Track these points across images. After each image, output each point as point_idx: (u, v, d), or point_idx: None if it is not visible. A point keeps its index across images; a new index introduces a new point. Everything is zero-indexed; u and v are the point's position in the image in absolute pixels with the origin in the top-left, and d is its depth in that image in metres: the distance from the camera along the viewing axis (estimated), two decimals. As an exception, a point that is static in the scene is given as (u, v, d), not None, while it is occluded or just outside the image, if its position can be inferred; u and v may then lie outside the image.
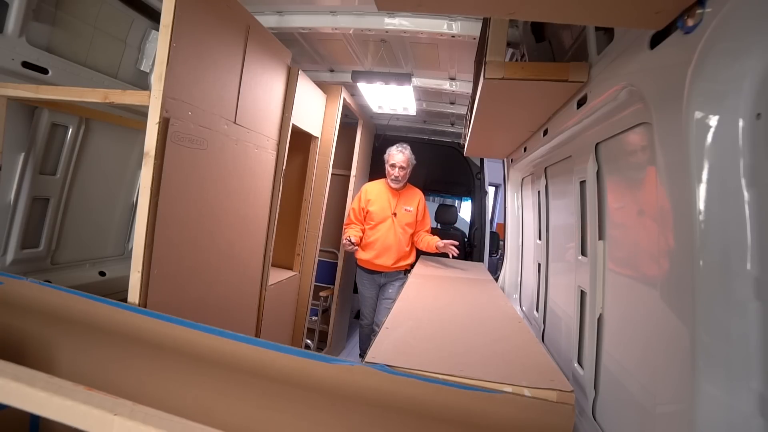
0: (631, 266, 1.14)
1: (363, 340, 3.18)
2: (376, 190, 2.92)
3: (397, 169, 2.81)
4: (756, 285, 0.63)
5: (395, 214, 2.85)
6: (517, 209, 2.87)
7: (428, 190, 4.90)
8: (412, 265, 2.78)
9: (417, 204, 2.91)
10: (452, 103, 3.23)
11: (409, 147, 2.88)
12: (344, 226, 2.96)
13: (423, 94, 3.09)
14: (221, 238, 1.74)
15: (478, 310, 1.67)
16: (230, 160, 1.74)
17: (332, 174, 2.85)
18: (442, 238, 4.06)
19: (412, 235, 2.93)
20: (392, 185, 2.88)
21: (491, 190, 5.07)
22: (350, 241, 2.68)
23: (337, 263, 3.31)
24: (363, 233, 2.90)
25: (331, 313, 3.29)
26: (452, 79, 2.71)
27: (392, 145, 2.97)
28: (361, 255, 2.90)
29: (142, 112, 1.38)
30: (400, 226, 2.85)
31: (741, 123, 0.64)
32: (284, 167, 2.19)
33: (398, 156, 2.82)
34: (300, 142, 2.60)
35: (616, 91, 1.01)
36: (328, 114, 2.74)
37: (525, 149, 2.24)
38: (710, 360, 0.65)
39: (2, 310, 1.28)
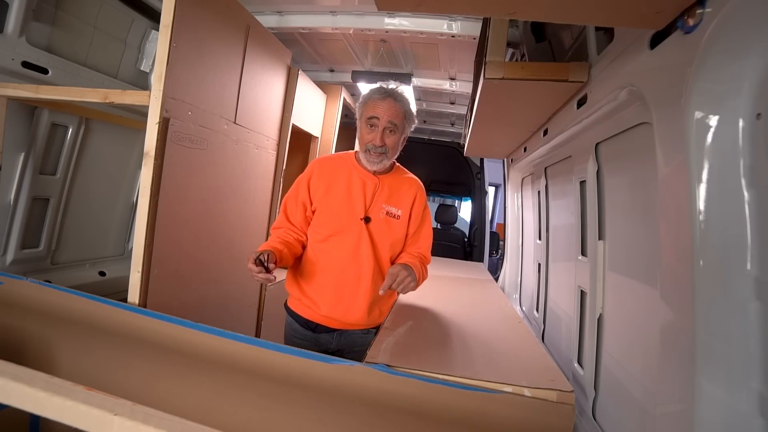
0: (631, 266, 1.14)
1: None
2: (334, 170, 1.38)
3: (381, 129, 1.28)
4: (756, 285, 0.63)
5: (368, 219, 1.33)
6: (517, 209, 2.87)
7: (428, 191, 4.90)
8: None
9: (411, 204, 1.39)
10: (452, 103, 3.24)
11: (406, 91, 1.36)
12: (271, 231, 1.42)
13: (423, 94, 3.10)
14: (221, 237, 1.74)
15: (478, 310, 1.67)
16: (230, 160, 1.74)
17: (332, 174, 2.85)
18: (441, 239, 3.71)
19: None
20: (368, 164, 1.34)
21: (491, 190, 5.07)
22: (260, 261, 1.14)
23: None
24: (302, 248, 1.38)
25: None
26: (452, 79, 2.71)
27: None
28: (295, 292, 1.39)
29: (142, 112, 1.38)
30: (381, 243, 1.35)
31: (741, 123, 0.64)
32: (284, 167, 2.19)
33: (383, 102, 1.29)
34: (300, 141, 2.60)
35: (616, 91, 1.01)
36: (328, 114, 2.74)
37: (525, 149, 2.24)
38: (710, 360, 0.65)
39: (2, 310, 1.28)
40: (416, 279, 1.23)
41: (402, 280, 1.18)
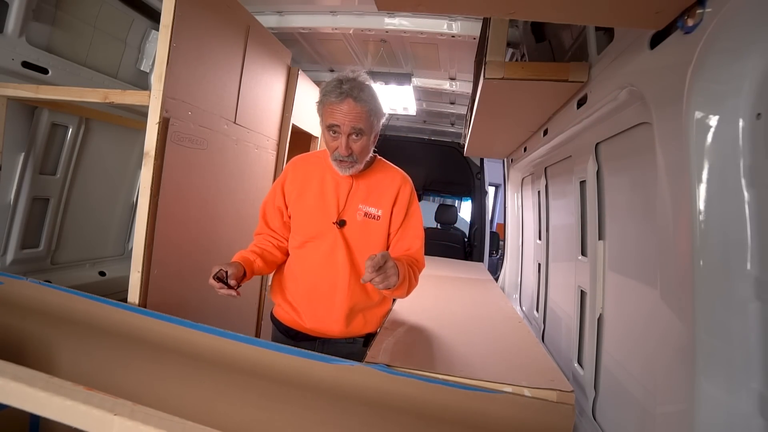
0: (631, 266, 1.14)
1: None
2: (308, 171, 1.30)
3: (345, 137, 1.13)
4: (756, 285, 0.63)
5: (343, 222, 1.23)
6: (517, 209, 2.88)
7: (428, 190, 4.91)
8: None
9: (393, 201, 1.25)
10: (452, 103, 3.24)
11: (369, 80, 1.17)
12: (253, 236, 1.38)
13: (423, 94, 3.09)
14: (221, 237, 1.74)
15: (478, 310, 1.67)
16: (230, 160, 1.74)
17: (332, 174, 2.85)
18: (441, 239, 3.69)
19: None
20: (339, 170, 1.20)
21: (491, 190, 5.07)
22: (218, 278, 1.12)
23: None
24: (283, 255, 1.33)
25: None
26: (452, 79, 2.71)
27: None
28: (277, 299, 1.34)
29: (142, 112, 1.38)
30: (359, 249, 1.24)
31: (741, 123, 0.64)
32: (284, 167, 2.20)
33: (342, 106, 1.11)
34: (300, 141, 2.60)
35: (616, 91, 1.01)
36: (328, 114, 2.74)
37: (525, 149, 2.24)
38: (710, 360, 0.65)
39: (2, 310, 1.28)
40: (399, 276, 1.07)
41: (383, 265, 1.02)
